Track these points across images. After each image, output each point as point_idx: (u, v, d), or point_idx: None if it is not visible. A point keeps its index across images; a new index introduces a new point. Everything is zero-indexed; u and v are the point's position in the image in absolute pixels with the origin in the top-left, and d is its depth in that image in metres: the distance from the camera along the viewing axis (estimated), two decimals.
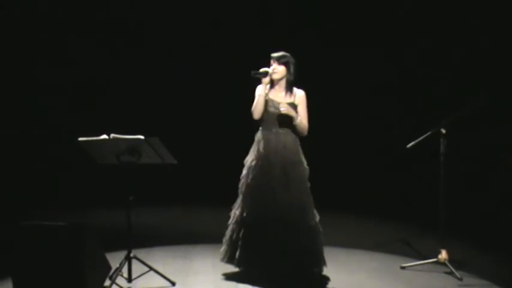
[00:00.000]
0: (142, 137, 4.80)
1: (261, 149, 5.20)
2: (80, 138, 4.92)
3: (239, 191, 5.28)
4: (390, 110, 8.81)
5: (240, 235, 5.16)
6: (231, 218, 5.30)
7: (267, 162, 5.16)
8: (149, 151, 4.87)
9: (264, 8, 9.08)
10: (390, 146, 8.09)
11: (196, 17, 9.11)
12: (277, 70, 5.20)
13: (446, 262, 5.57)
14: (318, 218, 5.25)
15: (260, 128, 5.28)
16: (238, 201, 5.27)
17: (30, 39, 8.92)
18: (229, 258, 5.25)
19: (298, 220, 5.12)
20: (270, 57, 5.25)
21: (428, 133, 5.62)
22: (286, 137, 5.22)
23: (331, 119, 9.05)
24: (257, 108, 5.16)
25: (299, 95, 5.27)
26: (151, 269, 5.14)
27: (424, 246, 6.30)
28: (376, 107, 8.91)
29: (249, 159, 5.26)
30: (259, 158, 5.19)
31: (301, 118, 5.22)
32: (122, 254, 5.13)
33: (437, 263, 5.61)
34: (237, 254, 5.15)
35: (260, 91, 5.19)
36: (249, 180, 5.19)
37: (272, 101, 5.23)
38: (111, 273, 4.96)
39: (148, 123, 7.85)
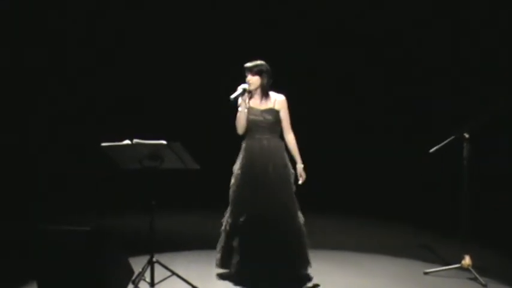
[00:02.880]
0: (164, 142, 4.82)
1: (246, 156, 5.29)
2: (103, 144, 4.94)
3: (229, 198, 5.34)
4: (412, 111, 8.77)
5: (232, 241, 5.26)
6: (223, 225, 5.38)
7: (251, 168, 5.24)
8: (171, 156, 4.89)
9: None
10: (413, 149, 8.09)
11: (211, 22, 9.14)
12: (252, 81, 5.26)
13: (470, 268, 5.52)
14: (302, 220, 5.29)
15: (245, 136, 5.35)
16: (229, 208, 5.35)
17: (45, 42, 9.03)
18: (224, 264, 5.34)
19: (283, 222, 5.18)
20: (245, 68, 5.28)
21: (452, 137, 5.58)
22: (269, 141, 5.29)
23: (350, 119, 9.07)
24: (239, 125, 5.28)
25: (279, 100, 5.32)
26: (173, 273, 5.14)
27: (447, 251, 6.25)
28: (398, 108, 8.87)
29: (236, 168, 5.35)
30: (244, 165, 5.28)
31: (286, 127, 5.29)
32: (144, 259, 5.13)
33: (461, 268, 5.57)
34: (232, 259, 5.25)
35: (240, 106, 5.27)
36: (236, 188, 5.28)
37: (252, 108, 5.30)
38: (133, 277, 4.98)
39: (171, 128, 7.89)
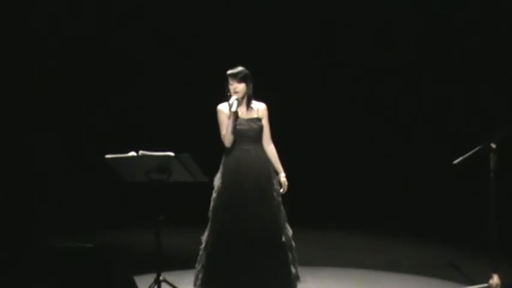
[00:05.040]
0: (172, 153, 4.82)
1: (231, 167, 5.23)
2: (107, 156, 4.95)
3: (210, 213, 5.29)
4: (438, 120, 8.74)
5: (216, 258, 5.20)
6: (203, 242, 5.33)
7: (239, 180, 5.20)
8: (180, 168, 4.89)
9: None
10: (435, 161, 8.05)
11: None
12: (239, 89, 5.22)
13: (499, 287, 5.45)
14: (291, 233, 5.27)
15: (228, 147, 5.28)
16: (210, 224, 5.30)
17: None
18: (209, 284, 5.24)
19: (273, 237, 5.16)
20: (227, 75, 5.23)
21: (477, 148, 5.53)
22: (256, 152, 5.27)
23: (370, 131, 9.05)
24: (228, 137, 5.21)
25: (261, 109, 5.33)
26: None
27: (474, 269, 6.19)
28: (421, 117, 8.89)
29: (218, 181, 5.28)
30: (229, 177, 5.23)
31: (267, 137, 5.31)
32: (151, 277, 5.12)
33: None
34: (213, 278, 5.18)
35: (228, 117, 5.18)
36: (219, 203, 5.23)
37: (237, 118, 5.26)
38: None
39: (179, 139, 7.91)
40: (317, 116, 9.11)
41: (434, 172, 8.39)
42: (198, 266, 5.30)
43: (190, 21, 9.25)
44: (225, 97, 5.23)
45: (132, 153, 4.92)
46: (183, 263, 6.34)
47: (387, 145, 8.97)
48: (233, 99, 5.16)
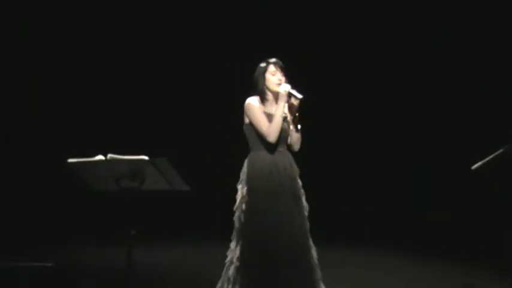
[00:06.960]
0: (146, 157, 4.65)
1: (265, 170, 5.07)
2: (70, 160, 4.76)
3: (243, 224, 5.06)
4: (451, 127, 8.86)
5: (249, 270, 4.99)
6: (233, 253, 5.09)
7: (275, 185, 5.04)
8: (155, 175, 4.72)
9: None
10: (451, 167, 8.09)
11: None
12: (283, 82, 5.10)
13: None
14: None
15: (256, 148, 5.12)
16: (239, 234, 5.09)
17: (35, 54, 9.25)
18: None
19: (307, 248, 5.07)
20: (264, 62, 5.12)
21: (499, 151, 5.37)
22: (288, 155, 5.15)
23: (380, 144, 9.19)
24: (276, 131, 5.03)
25: (287, 106, 5.27)
26: None
27: None
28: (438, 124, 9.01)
29: (250, 185, 5.09)
30: (265, 182, 5.05)
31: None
32: None
33: None
34: None
35: (277, 111, 5.04)
36: (258, 208, 5.03)
37: (270, 115, 5.11)
38: None
39: (155, 142, 7.79)
40: (327, 127, 9.21)
41: (450, 182, 8.48)
42: (229, 285, 5.06)
43: (190, 23, 9.44)
44: (248, 93, 5.08)
45: (100, 157, 4.73)
46: (157, 284, 6.38)
47: (398, 161, 9.13)
48: (286, 85, 5.00)
